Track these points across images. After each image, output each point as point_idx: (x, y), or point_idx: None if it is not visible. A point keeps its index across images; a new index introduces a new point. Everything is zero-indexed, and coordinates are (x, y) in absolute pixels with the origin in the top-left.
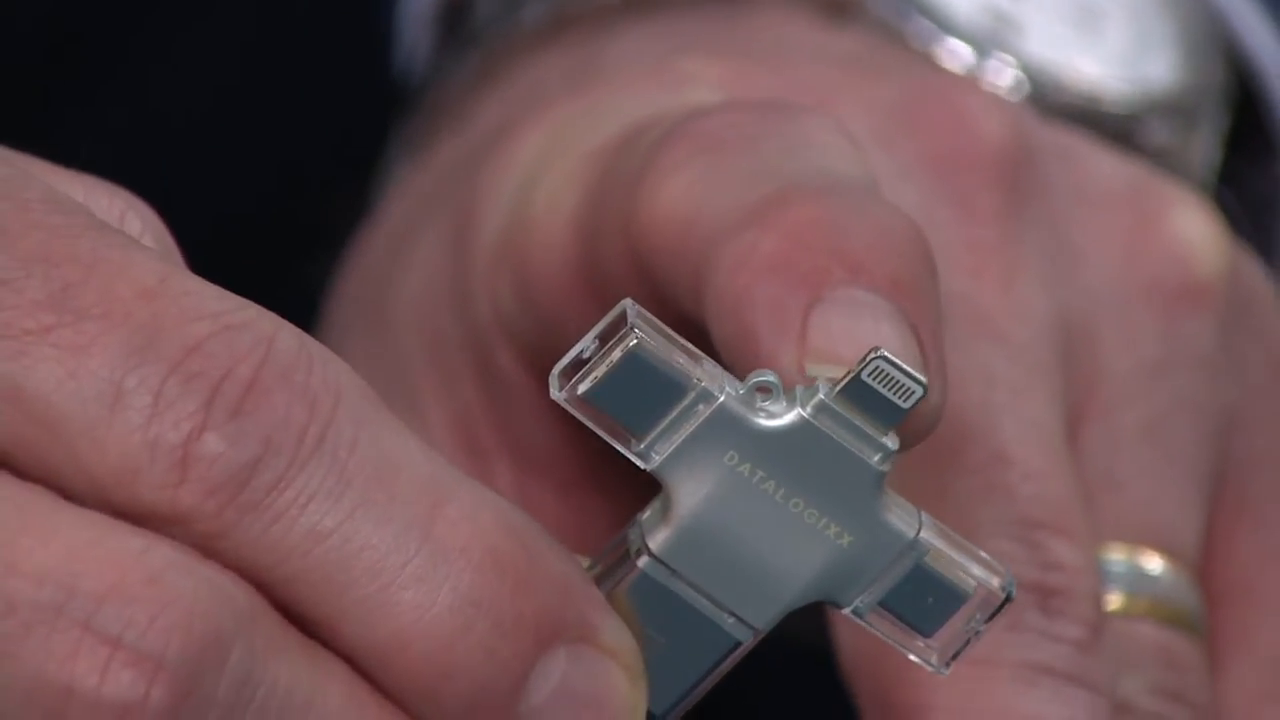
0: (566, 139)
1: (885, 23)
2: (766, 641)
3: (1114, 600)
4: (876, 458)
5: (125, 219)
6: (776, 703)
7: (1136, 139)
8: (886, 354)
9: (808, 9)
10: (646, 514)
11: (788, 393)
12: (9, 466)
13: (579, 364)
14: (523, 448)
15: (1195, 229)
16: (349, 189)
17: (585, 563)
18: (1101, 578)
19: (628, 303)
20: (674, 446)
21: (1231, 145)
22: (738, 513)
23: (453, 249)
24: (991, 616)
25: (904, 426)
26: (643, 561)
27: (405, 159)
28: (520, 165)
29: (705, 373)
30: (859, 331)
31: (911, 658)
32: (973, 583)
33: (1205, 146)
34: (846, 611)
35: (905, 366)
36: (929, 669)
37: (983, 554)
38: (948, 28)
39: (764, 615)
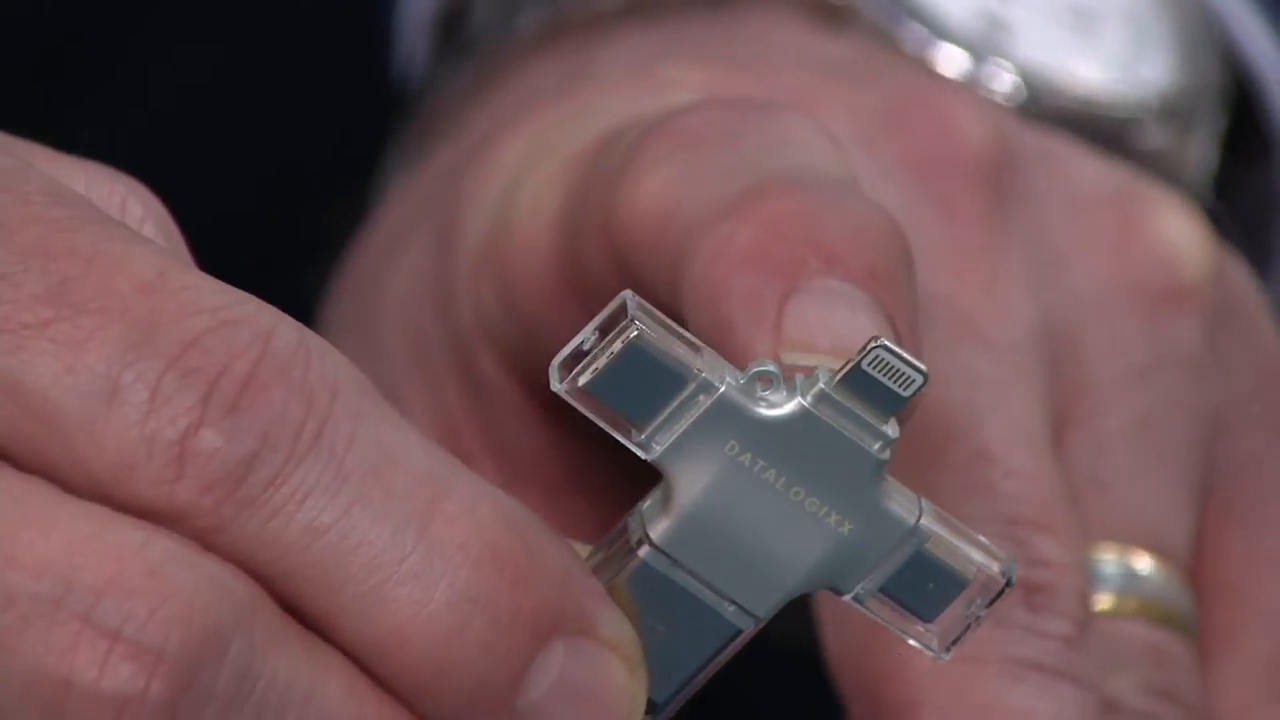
0: (549, 143)
1: (879, 27)
2: (766, 643)
3: (1104, 600)
4: (877, 446)
5: (127, 205)
6: (774, 704)
7: (1132, 142)
8: (887, 343)
9: (801, 14)
10: (647, 503)
11: (788, 382)
12: (8, 459)
13: (579, 356)
14: (506, 451)
15: (1180, 232)
16: (348, 191)
17: (585, 551)
18: (1091, 576)
19: (628, 294)
20: (675, 437)
21: (1228, 148)
22: (738, 502)
23: (436, 252)
24: (992, 601)
25: (902, 415)
26: (644, 551)
27: (402, 166)
28: (503, 169)
29: (706, 363)
30: (835, 321)
31: (911, 643)
32: (973, 568)
33: (1201, 149)
34: (847, 598)
35: (906, 355)
36: (929, 654)
37: (982, 539)
38: (941, 32)
39: (765, 603)
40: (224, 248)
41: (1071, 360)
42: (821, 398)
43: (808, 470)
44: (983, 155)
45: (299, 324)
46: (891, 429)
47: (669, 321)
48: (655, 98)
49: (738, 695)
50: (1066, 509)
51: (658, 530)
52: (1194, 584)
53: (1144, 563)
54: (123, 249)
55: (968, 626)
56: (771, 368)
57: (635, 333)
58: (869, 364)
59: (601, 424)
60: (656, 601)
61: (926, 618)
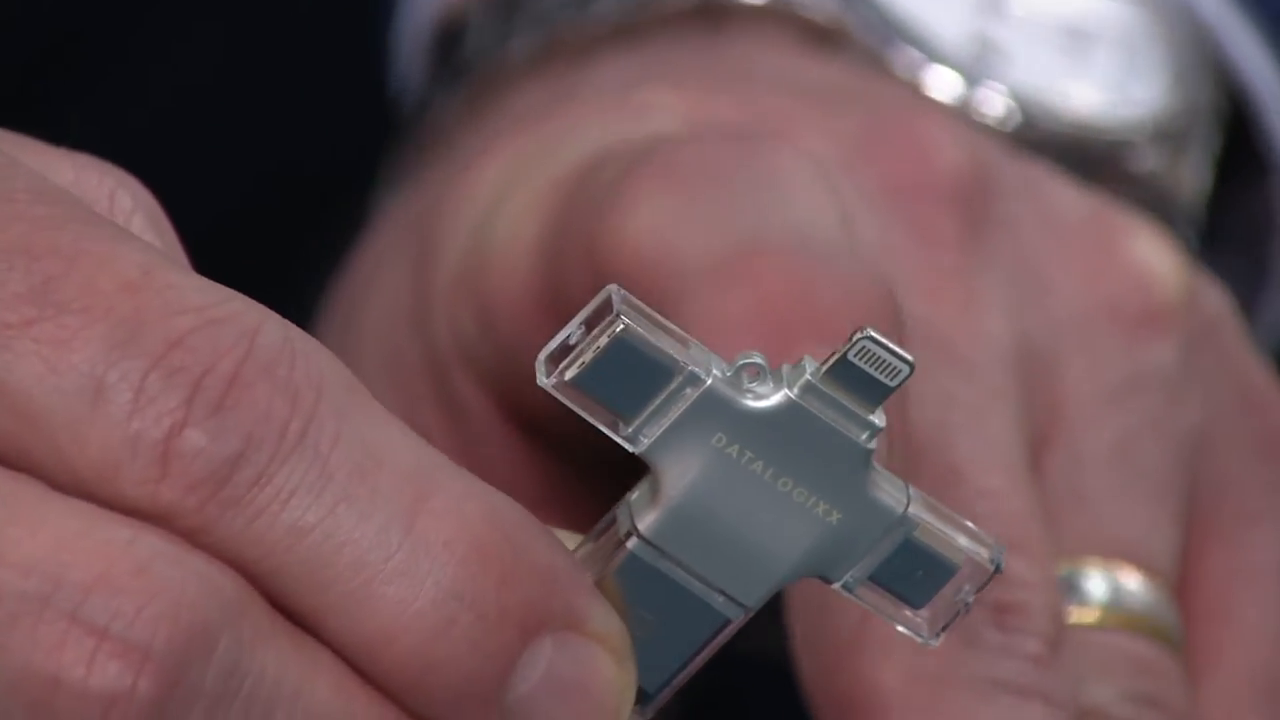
0: (528, 167)
1: (869, 50)
2: (762, 654)
3: (1090, 614)
4: (864, 436)
5: (115, 197)
6: (770, 716)
7: (1125, 164)
8: (873, 333)
9: (791, 36)
10: (635, 495)
11: (774, 374)
12: None
13: (565, 350)
14: (482, 472)
15: (1155, 255)
16: (344, 205)
17: (575, 541)
18: (1075, 591)
19: (613, 288)
20: (662, 429)
21: (1223, 167)
22: (726, 493)
23: (414, 273)
24: (980, 588)
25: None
26: (632, 543)
27: (393, 188)
28: (481, 191)
29: (692, 356)
30: None
31: (901, 629)
32: (961, 555)
33: (1195, 171)
34: (837, 586)
35: (892, 346)
36: (919, 640)
37: (971, 526)
38: (933, 55)
39: (754, 593)
40: (223, 246)
41: (1049, 381)
42: (808, 389)
43: (795, 461)
44: (959, 180)
45: (285, 322)
46: (879, 419)
47: (655, 314)
48: (633, 122)
49: (734, 706)
50: (1039, 529)
51: (646, 522)
52: (1180, 602)
53: (1129, 577)
54: (107, 247)
55: (957, 613)
56: (758, 359)
57: (621, 326)
58: (855, 355)
59: (588, 418)
60: (645, 593)
61: (916, 604)
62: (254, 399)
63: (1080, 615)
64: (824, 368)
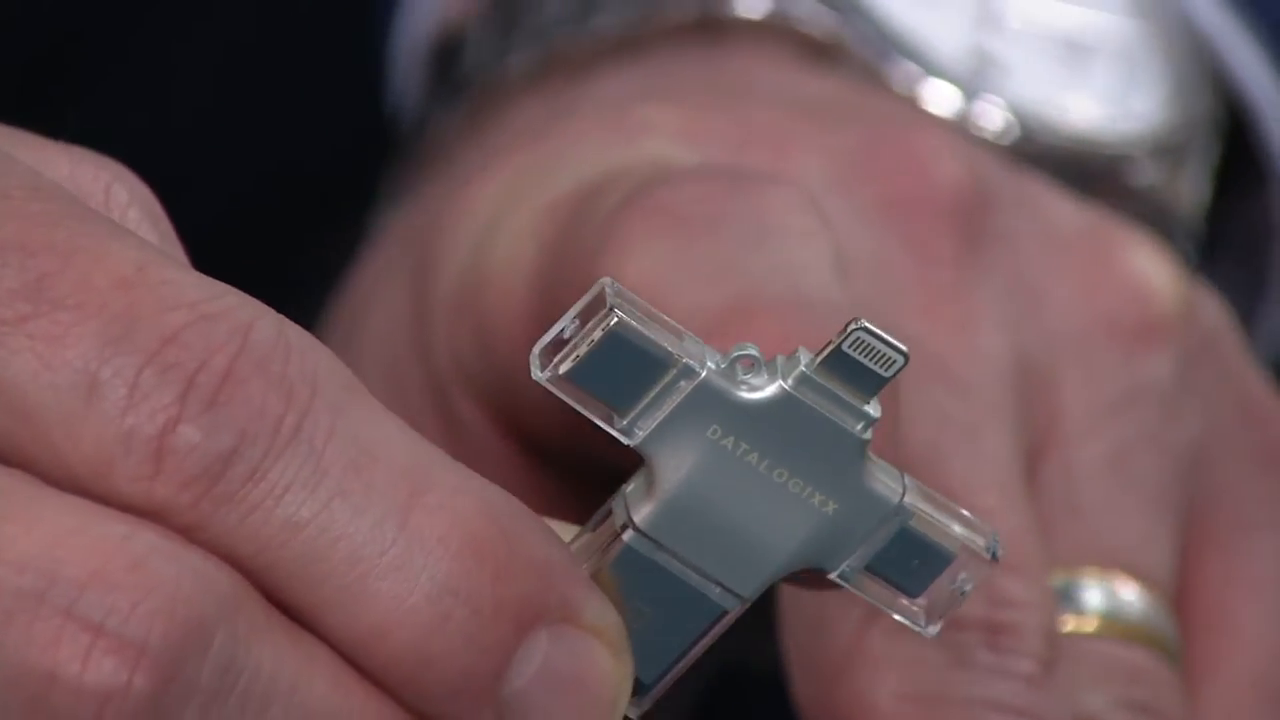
0: (523, 189)
1: (868, 64)
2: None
3: (1087, 623)
4: (859, 426)
5: (111, 191)
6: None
7: (1124, 178)
8: (867, 324)
9: (789, 51)
10: (630, 487)
11: (769, 365)
12: None
13: (559, 344)
14: None
15: (1152, 268)
16: (345, 195)
17: (570, 533)
18: (1071, 600)
19: (606, 281)
20: (657, 422)
21: (1221, 176)
22: (722, 485)
23: (412, 295)
24: (977, 576)
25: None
26: (628, 535)
27: (392, 204)
28: (478, 212)
29: (686, 348)
30: None
31: (898, 618)
32: (957, 544)
33: (1194, 183)
34: (833, 576)
35: (886, 336)
36: (916, 629)
37: (966, 514)
38: (931, 69)
39: (751, 584)
40: (223, 246)
41: (1046, 395)
42: (803, 380)
43: (790, 452)
44: (956, 196)
45: (280, 317)
46: (873, 409)
47: (649, 307)
48: (629, 145)
49: (738, 718)
50: (1035, 547)
51: (641, 514)
52: (1179, 612)
53: (1125, 587)
54: (101, 244)
55: (954, 602)
56: (752, 351)
57: (615, 319)
58: (849, 346)
59: (583, 411)
60: (642, 585)
61: (913, 593)
62: (248, 395)
63: (1077, 625)
64: (818, 359)
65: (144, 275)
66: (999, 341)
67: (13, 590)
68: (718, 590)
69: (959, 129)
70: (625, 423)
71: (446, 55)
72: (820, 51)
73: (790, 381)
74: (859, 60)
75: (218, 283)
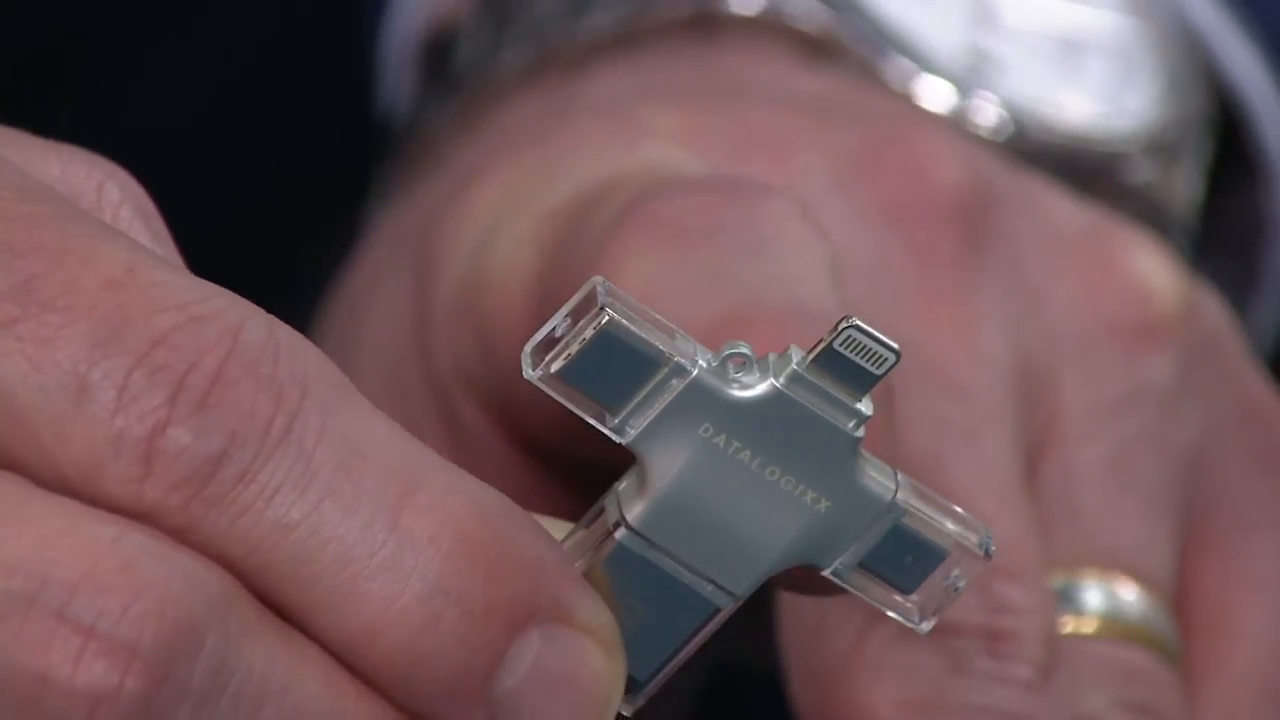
0: (523, 195)
1: (863, 61)
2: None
3: (1086, 624)
4: (851, 424)
5: (104, 189)
6: None
7: (1119, 176)
8: (858, 322)
9: (785, 47)
10: (623, 485)
11: (761, 363)
12: None
13: (551, 342)
14: None
15: (1153, 269)
16: (344, 195)
17: (563, 529)
18: (1070, 602)
19: (597, 280)
20: (649, 420)
21: (1214, 172)
22: (714, 483)
23: (413, 298)
24: (970, 573)
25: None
26: (620, 533)
27: (385, 201)
28: (478, 216)
29: (678, 346)
30: None
31: (892, 615)
32: (950, 540)
33: (1188, 180)
34: (827, 573)
35: (878, 334)
36: (910, 626)
37: (960, 511)
38: (926, 66)
39: (743, 582)
40: (222, 246)
41: (1046, 396)
42: (794, 378)
43: (783, 450)
44: (958, 198)
45: (270, 318)
46: (866, 406)
47: (640, 306)
48: (629, 150)
49: (736, 718)
50: (1034, 553)
51: (634, 513)
52: (1178, 614)
53: (1125, 588)
54: (91, 245)
55: (947, 598)
56: (744, 349)
57: (607, 318)
58: (841, 344)
59: (575, 410)
60: (635, 582)
61: (906, 590)
62: (237, 396)
63: (1077, 626)
64: (810, 357)
65: (133, 277)
66: (999, 344)
67: (3, 593)
68: (710, 588)
69: (957, 128)
70: (617, 421)
71: (438, 52)
72: (815, 48)
73: (782, 379)
74: (854, 57)
75: (208, 284)
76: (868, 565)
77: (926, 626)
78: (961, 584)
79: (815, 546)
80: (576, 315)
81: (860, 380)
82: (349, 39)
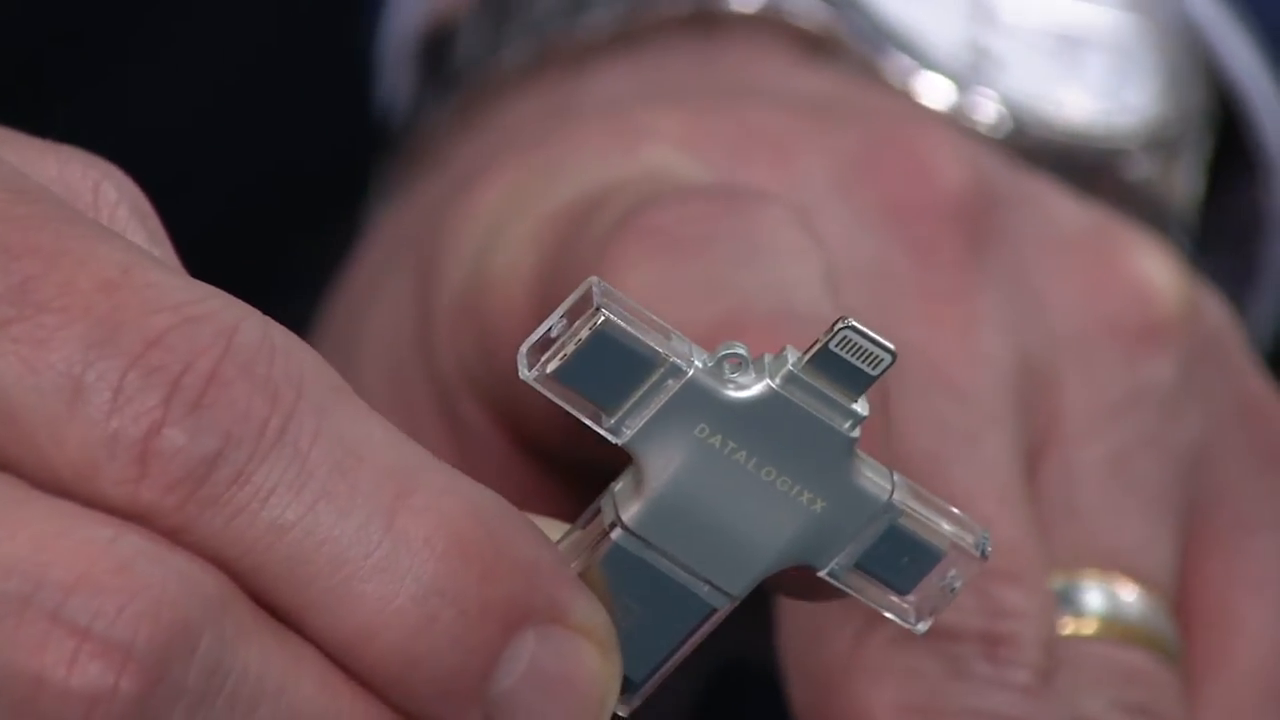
0: (525, 197)
1: (862, 58)
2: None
3: (1086, 625)
4: (847, 424)
5: (100, 189)
6: None
7: (1118, 172)
8: (854, 323)
9: (785, 45)
10: (619, 485)
11: (756, 364)
12: None
13: (547, 343)
14: None
15: (1156, 269)
16: (344, 195)
17: (559, 529)
18: (1070, 603)
19: (593, 280)
20: (645, 421)
21: (1213, 166)
22: (710, 484)
23: (416, 297)
24: (966, 574)
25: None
26: (616, 534)
27: (385, 199)
28: (480, 217)
29: (674, 347)
30: None
31: (888, 615)
32: (946, 541)
33: (1187, 176)
34: (823, 573)
35: (873, 335)
36: (906, 626)
37: (956, 512)
38: (926, 63)
39: (739, 582)
40: (222, 246)
41: (1047, 396)
42: (790, 379)
43: (778, 450)
44: (960, 198)
45: (265, 319)
46: (861, 407)
47: (636, 306)
48: (630, 154)
49: (734, 718)
50: (1034, 556)
51: (630, 513)
52: (1179, 614)
53: (1125, 589)
54: (86, 246)
55: (943, 599)
56: (740, 349)
57: (603, 319)
58: (837, 345)
59: (570, 410)
60: (631, 583)
61: (902, 590)
62: (232, 397)
63: (1076, 627)
64: (805, 357)
65: (129, 278)
66: (1000, 345)
67: None
68: (706, 588)
69: (958, 125)
70: (613, 421)
71: (437, 49)
72: (814, 45)
73: (778, 380)
74: (854, 54)
75: (203, 285)
76: (864, 566)
77: (923, 627)
78: (958, 585)
79: (811, 547)
80: (572, 316)
81: (856, 381)
82: (348, 38)
